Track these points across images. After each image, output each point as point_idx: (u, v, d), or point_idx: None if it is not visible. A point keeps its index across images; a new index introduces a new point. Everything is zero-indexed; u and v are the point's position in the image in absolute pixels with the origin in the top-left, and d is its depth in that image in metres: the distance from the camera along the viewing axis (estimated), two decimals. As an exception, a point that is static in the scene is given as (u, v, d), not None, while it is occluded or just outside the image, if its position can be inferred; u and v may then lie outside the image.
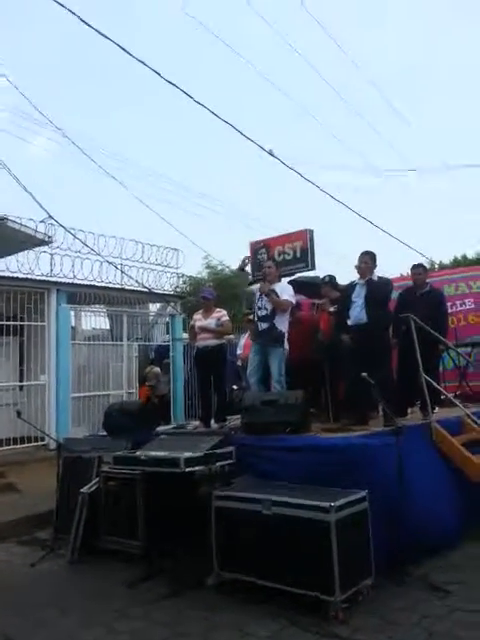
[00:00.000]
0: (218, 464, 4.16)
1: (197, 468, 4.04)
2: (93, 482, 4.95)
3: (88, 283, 9.10)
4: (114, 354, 9.69)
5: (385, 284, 5.45)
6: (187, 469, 3.96)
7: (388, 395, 4.74)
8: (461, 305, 7.90)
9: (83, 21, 6.01)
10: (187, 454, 4.05)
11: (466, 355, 6.65)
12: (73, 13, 5.93)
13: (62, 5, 5.81)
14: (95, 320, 10.29)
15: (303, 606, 3.33)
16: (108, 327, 10.36)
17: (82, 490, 4.87)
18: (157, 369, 10.10)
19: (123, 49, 6.06)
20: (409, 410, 5.77)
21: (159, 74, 6.36)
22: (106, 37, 6.24)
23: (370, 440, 4.30)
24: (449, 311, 6.77)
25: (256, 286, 5.89)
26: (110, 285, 9.36)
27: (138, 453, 4.43)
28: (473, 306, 7.86)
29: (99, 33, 6.25)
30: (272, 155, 7.68)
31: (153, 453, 4.32)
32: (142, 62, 6.23)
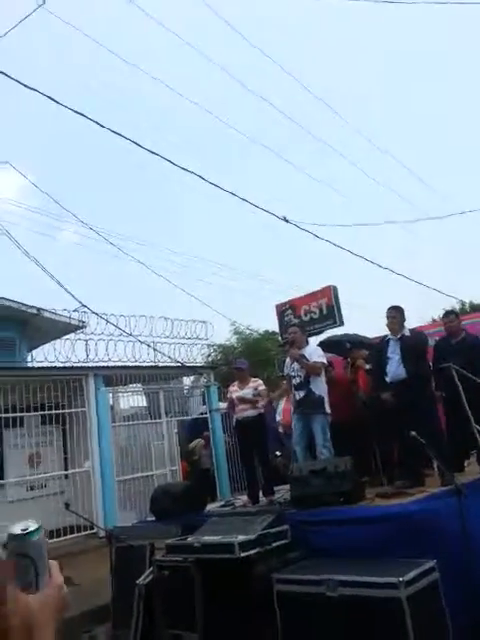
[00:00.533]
0: (274, 544, 4.02)
1: (252, 551, 3.90)
2: (147, 572, 4.81)
3: (122, 364, 9.26)
4: (154, 432, 9.65)
5: (421, 336, 5.40)
6: (242, 554, 3.83)
7: (441, 451, 4.57)
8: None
9: (98, 122, 6.42)
10: (241, 537, 3.92)
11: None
12: (83, 114, 6.34)
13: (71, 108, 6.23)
14: (132, 399, 10.39)
15: None
16: (145, 404, 10.41)
17: (138, 582, 4.73)
18: (202, 441, 10.01)
19: (137, 144, 6.42)
20: (466, 462, 5.53)
21: (172, 162, 6.68)
22: (119, 134, 6.66)
23: (430, 504, 4.10)
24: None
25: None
26: (144, 363, 9.50)
27: (190, 539, 4.32)
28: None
29: (113, 131, 6.65)
30: (287, 221, 7.87)
31: (206, 538, 4.20)
32: (155, 153, 6.57)
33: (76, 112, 6.08)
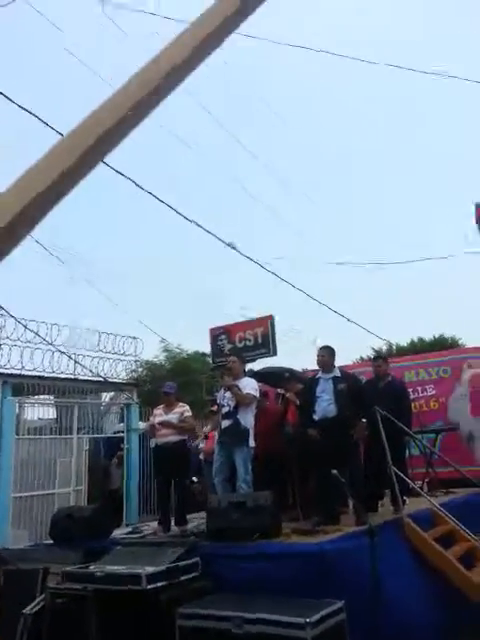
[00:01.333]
0: (183, 577, 3.80)
1: (159, 584, 3.66)
2: (38, 600, 4.40)
3: (37, 374, 8.70)
4: (62, 448, 9.10)
5: (355, 379, 5.57)
6: (149, 586, 3.59)
7: (359, 491, 4.59)
8: (423, 391, 8.02)
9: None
10: (149, 569, 3.69)
11: (430, 442, 6.65)
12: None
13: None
14: (42, 411, 9.78)
15: None
16: (55, 417, 9.83)
17: (25, 611, 4.30)
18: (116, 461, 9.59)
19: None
20: (379, 503, 5.61)
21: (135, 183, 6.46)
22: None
23: (344, 543, 4.08)
24: (411, 397, 6.85)
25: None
26: (62, 375, 8.98)
27: (92, 568, 4.02)
28: (434, 392, 7.99)
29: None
30: (233, 248, 7.85)
31: (110, 568, 3.92)
32: (120, 172, 6.35)
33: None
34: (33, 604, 4.35)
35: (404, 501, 5.27)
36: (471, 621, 4.47)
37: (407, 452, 6.38)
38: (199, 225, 7.41)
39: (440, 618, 4.27)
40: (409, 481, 5.48)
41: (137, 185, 6.63)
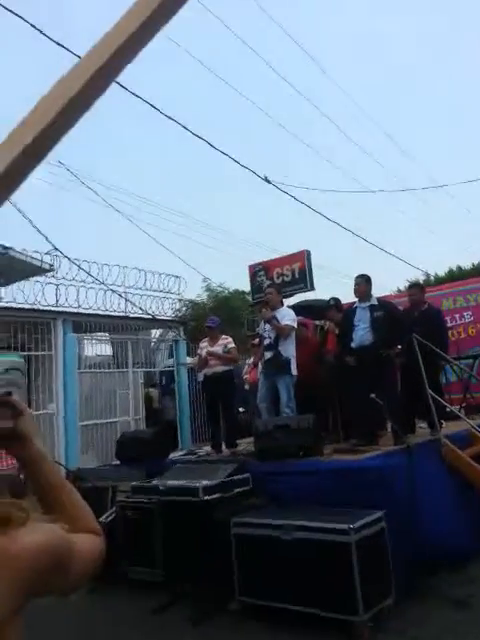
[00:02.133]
0: (236, 491, 4.26)
1: (215, 496, 4.13)
2: (110, 511, 5.01)
3: (93, 312, 9.24)
4: (120, 381, 9.77)
5: (392, 306, 5.65)
6: (205, 497, 4.05)
7: (396, 413, 4.86)
8: (460, 318, 8.06)
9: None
10: (205, 482, 4.14)
11: (468, 367, 6.79)
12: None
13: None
14: (99, 347, 10.41)
15: (328, 628, 3.41)
16: (111, 354, 10.47)
17: (100, 519, 4.92)
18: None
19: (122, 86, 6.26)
20: (417, 425, 5.89)
21: (158, 110, 6.55)
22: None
23: (383, 461, 4.39)
24: (449, 325, 6.95)
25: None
26: (114, 313, 9.50)
27: (156, 482, 4.52)
28: (472, 319, 8.01)
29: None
30: (268, 181, 7.88)
31: (171, 482, 4.41)
32: (140, 97, 6.42)
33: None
34: (107, 513, 4.97)
35: (441, 424, 5.52)
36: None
37: (445, 378, 6.56)
38: (236, 161, 7.47)
39: (475, 530, 4.60)
40: (446, 404, 5.70)
41: (184, 127, 6.71)
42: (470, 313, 8.03)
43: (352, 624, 3.34)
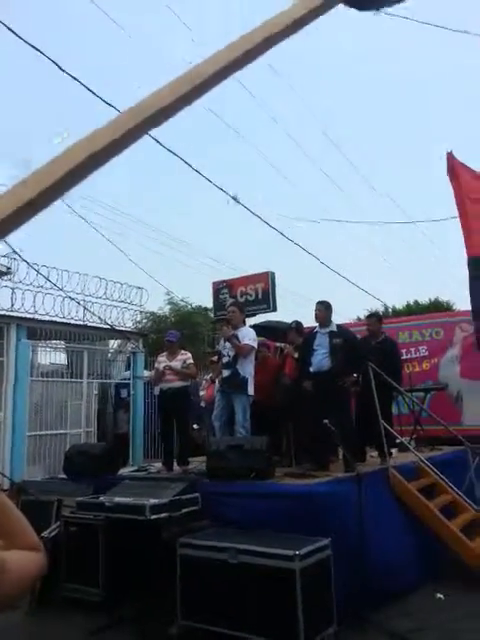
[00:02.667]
0: (184, 510, 4.20)
1: (162, 515, 4.06)
2: (53, 526, 4.86)
3: (49, 319, 9.04)
4: (73, 391, 9.55)
5: (351, 334, 5.76)
6: (152, 516, 3.98)
7: (348, 440, 4.92)
8: (416, 352, 8.28)
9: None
10: (153, 501, 4.06)
11: (420, 400, 6.96)
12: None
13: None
14: (54, 356, 10.17)
15: (268, 655, 3.38)
16: (65, 363, 10.24)
17: (42, 534, 4.75)
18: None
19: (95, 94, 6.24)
20: (368, 454, 5.98)
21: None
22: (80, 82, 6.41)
23: (333, 487, 4.43)
24: (404, 357, 7.14)
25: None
26: (72, 321, 9.32)
27: (102, 499, 4.40)
28: (427, 353, 8.25)
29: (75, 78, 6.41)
30: (237, 201, 7.97)
31: (118, 499, 4.30)
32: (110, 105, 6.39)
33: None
34: (50, 528, 4.81)
35: (391, 453, 5.63)
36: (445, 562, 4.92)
37: (396, 409, 6.71)
38: (206, 177, 7.53)
39: (420, 562, 4.69)
40: (396, 434, 5.83)
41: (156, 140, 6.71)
42: (425, 348, 8.27)
43: (292, 652, 3.31)
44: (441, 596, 4.43)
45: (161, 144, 7.36)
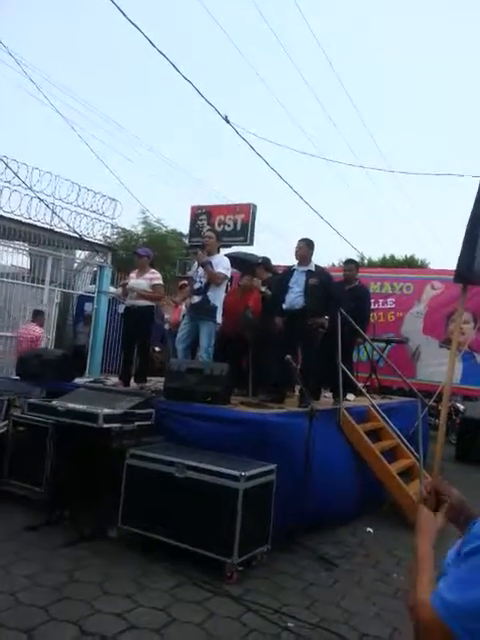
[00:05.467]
0: (136, 424, 4.21)
1: (115, 425, 4.06)
2: (2, 424, 4.83)
3: (14, 217, 8.57)
4: (34, 296, 9.29)
5: (329, 276, 5.68)
6: (105, 425, 3.97)
7: (308, 378, 4.99)
8: (383, 303, 8.37)
9: None
10: (107, 410, 4.05)
11: (380, 350, 7.09)
12: None
13: None
14: (17, 258, 9.77)
15: (201, 566, 3.51)
16: (28, 267, 9.88)
17: (-11, 431, 4.72)
18: None
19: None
20: (323, 394, 6.12)
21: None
22: None
23: (285, 419, 4.52)
24: (372, 307, 7.19)
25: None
26: (38, 223, 8.88)
27: (55, 403, 4.36)
28: (394, 306, 8.35)
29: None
30: (228, 122, 7.60)
31: (71, 405, 4.27)
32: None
33: None
34: (-1, 426, 4.78)
35: (345, 396, 5.77)
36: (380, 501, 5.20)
37: (356, 356, 6.84)
38: (199, 91, 7.12)
39: (357, 498, 4.96)
40: (353, 378, 5.95)
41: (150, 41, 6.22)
42: (393, 300, 8.35)
43: (224, 564, 3.45)
44: (371, 530, 4.70)
45: (154, 45, 6.83)
